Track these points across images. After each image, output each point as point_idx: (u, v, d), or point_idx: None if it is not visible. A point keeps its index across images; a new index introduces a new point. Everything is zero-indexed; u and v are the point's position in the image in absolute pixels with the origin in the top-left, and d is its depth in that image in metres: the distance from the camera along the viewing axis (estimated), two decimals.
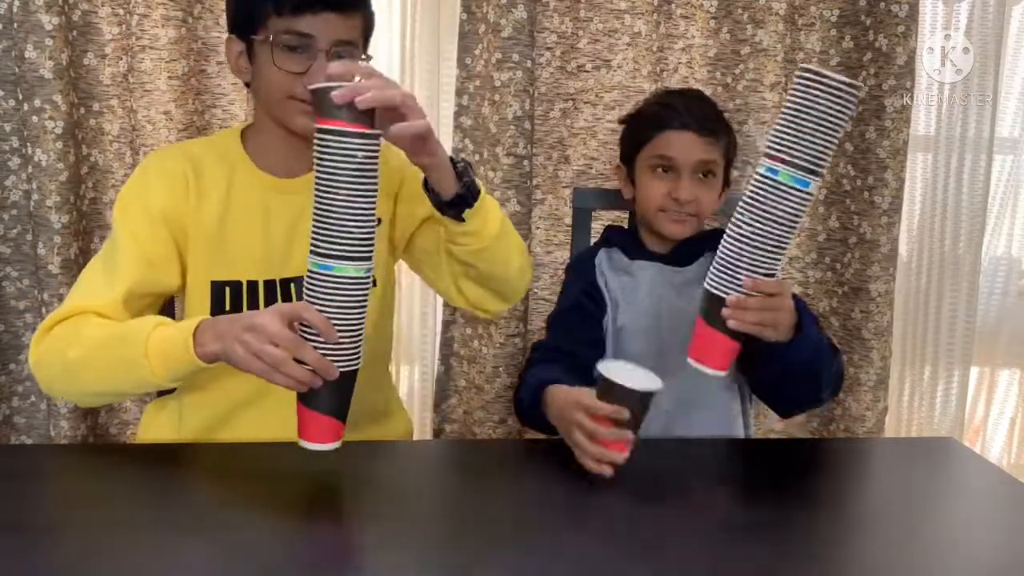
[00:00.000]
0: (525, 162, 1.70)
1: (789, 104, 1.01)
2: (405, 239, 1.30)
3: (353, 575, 0.86)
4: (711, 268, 1.08)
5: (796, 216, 1.03)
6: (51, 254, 1.60)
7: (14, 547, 0.86)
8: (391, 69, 1.83)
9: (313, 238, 0.97)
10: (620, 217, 1.63)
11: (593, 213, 1.56)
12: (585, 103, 1.77)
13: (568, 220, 1.71)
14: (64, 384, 1.14)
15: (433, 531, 0.96)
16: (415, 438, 1.60)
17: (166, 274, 1.18)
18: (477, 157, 1.74)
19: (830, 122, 0.99)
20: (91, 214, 1.68)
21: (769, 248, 1.04)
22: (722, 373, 1.08)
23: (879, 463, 1.26)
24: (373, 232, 0.98)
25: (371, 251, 0.98)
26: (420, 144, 1.04)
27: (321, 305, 0.96)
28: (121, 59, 1.64)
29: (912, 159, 1.85)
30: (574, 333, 1.34)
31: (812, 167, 1.01)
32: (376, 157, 0.96)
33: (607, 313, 1.35)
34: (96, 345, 1.07)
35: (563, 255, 1.79)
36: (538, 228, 1.79)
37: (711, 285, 1.07)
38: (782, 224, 1.03)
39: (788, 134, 1.01)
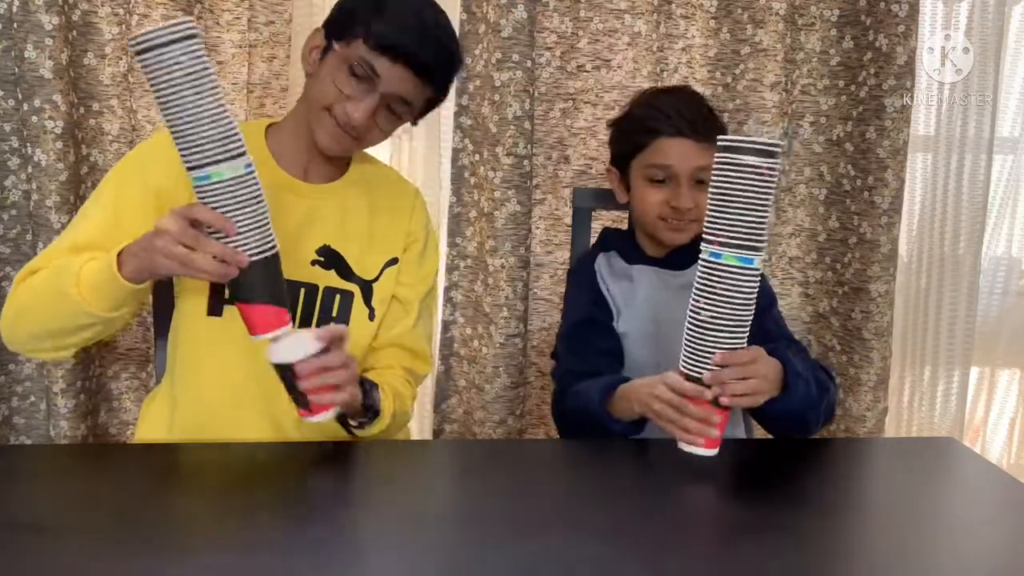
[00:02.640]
0: (525, 162, 1.70)
1: (714, 186, 1.04)
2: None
3: (353, 575, 0.86)
4: (682, 353, 1.10)
5: (749, 292, 1.05)
6: None
7: (14, 547, 0.86)
8: None
9: (180, 154, 1.00)
10: (619, 217, 1.63)
11: (593, 213, 1.56)
12: (585, 103, 1.77)
13: (568, 220, 1.71)
14: (15, 331, 1.17)
15: (433, 531, 0.96)
16: (415, 438, 1.60)
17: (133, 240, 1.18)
18: (477, 157, 1.74)
19: (757, 198, 1.02)
20: None
21: (731, 327, 1.06)
22: (715, 452, 1.09)
23: (879, 463, 1.26)
24: (233, 129, 1.00)
25: (240, 147, 1.01)
26: None
27: (215, 208, 1.00)
28: (121, 59, 1.64)
29: (912, 159, 1.85)
30: (590, 348, 1.33)
31: (752, 244, 1.03)
32: (201, 55, 0.98)
33: (614, 319, 1.35)
34: (38, 285, 1.13)
35: (563, 255, 1.79)
36: (538, 228, 1.80)
37: (685, 368, 1.09)
38: (737, 303, 1.05)
39: (721, 218, 1.03)
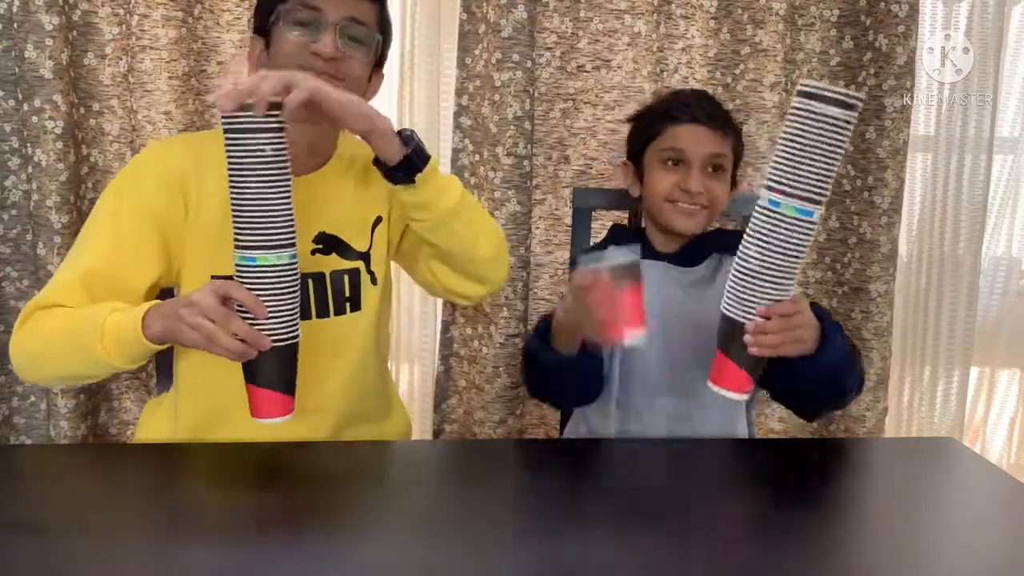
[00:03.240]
0: (525, 162, 1.70)
1: (786, 133, 1.01)
2: (397, 238, 1.33)
3: (353, 574, 0.86)
4: (726, 293, 1.07)
5: (803, 245, 1.03)
6: (51, 254, 1.60)
7: (14, 547, 0.86)
8: (391, 69, 1.82)
9: (234, 232, 1.03)
10: (620, 217, 1.63)
11: (593, 213, 1.56)
12: (585, 103, 1.77)
13: (568, 220, 1.71)
14: (32, 372, 1.18)
15: (433, 531, 0.95)
16: (415, 438, 1.60)
17: (135, 265, 1.17)
18: (477, 157, 1.74)
19: (830, 150, 0.99)
20: None
21: (780, 278, 1.04)
22: (748, 395, 1.08)
23: (879, 463, 1.26)
24: (290, 221, 1.03)
25: (291, 239, 1.03)
26: (316, 111, 1.05)
27: (252, 291, 1.02)
28: (121, 59, 1.64)
29: (912, 159, 1.85)
30: None
31: (815, 196, 1.01)
32: (284, 148, 1.01)
33: None
34: (55, 334, 1.12)
35: (563, 255, 1.79)
36: (538, 228, 1.79)
37: (729, 309, 1.06)
38: (790, 254, 1.03)
39: (788, 166, 1.00)
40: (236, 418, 1.21)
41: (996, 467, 1.18)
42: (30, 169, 1.59)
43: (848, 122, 0.98)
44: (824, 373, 1.15)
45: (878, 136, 1.75)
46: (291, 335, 1.05)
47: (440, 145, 1.83)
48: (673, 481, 1.10)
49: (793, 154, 1.00)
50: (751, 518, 0.99)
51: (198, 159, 1.21)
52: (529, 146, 1.70)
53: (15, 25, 1.55)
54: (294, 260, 1.04)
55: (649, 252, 1.38)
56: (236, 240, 1.03)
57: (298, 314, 1.06)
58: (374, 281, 1.29)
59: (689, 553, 0.91)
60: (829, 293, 1.87)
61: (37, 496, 0.99)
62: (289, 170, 1.02)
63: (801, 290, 1.89)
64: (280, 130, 1.01)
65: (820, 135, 0.98)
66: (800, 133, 0.99)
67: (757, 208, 1.04)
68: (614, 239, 1.43)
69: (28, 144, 1.58)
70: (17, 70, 1.57)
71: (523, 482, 1.10)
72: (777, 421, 1.88)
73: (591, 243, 1.53)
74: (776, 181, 1.01)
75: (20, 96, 1.57)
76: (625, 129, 1.45)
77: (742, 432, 1.36)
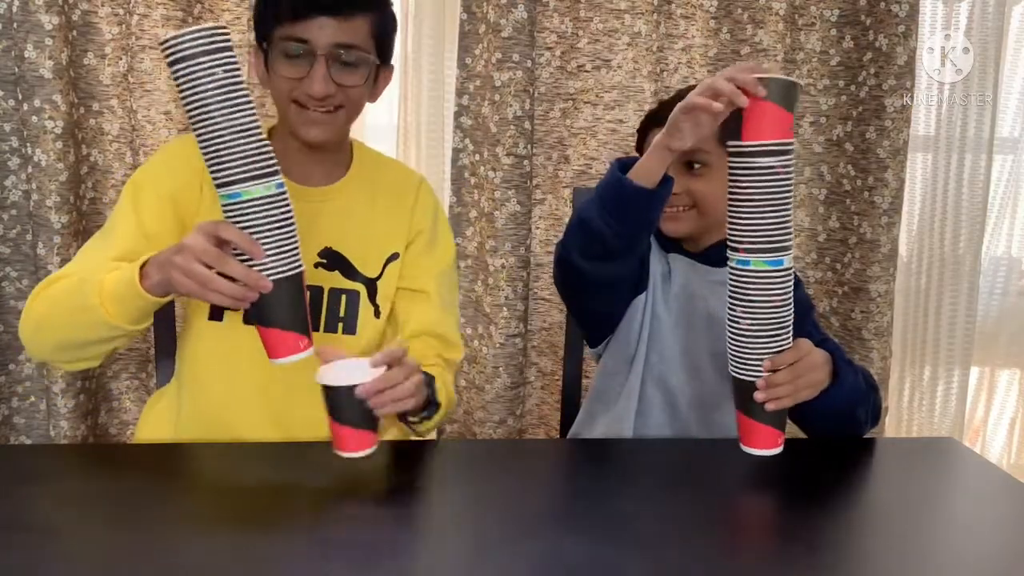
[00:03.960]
0: (525, 162, 1.70)
1: (731, 192, 1.01)
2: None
3: (353, 574, 0.86)
4: (728, 357, 1.07)
5: (785, 293, 1.03)
6: (51, 254, 1.60)
7: (14, 547, 0.86)
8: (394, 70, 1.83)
9: (210, 170, 0.96)
10: None
11: None
12: (585, 103, 1.77)
13: (568, 220, 1.70)
14: (37, 342, 1.15)
15: (433, 531, 0.95)
16: (414, 438, 1.60)
17: (158, 249, 1.15)
18: (477, 157, 1.74)
19: (776, 198, 0.99)
20: (91, 214, 1.68)
21: (774, 330, 1.04)
22: (780, 449, 1.07)
23: (879, 463, 1.26)
24: (266, 147, 0.97)
25: (272, 166, 0.97)
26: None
27: (244, 228, 0.96)
28: (121, 59, 1.64)
29: (912, 159, 1.85)
30: None
31: (779, 246, 1.01)
32: (236, 69, 0.95)
33: (647, 291, 1.31)
34: (60, 296, 1.10)
35: None
36: (538, 228, 1.80)
37: (736, 371, 1.07)
38: (775, 305, 1.03)
39: (743, 224, 1.01)
40: (241, 415, 1.22)
41: (996, 467, 1.18)
42: (30, 169, 1.59)
43: (786, 167, 0.99)
44: (837, 407, 1.15)
45: (878, 136, 1.75)
46: (293, 267, 0.98)
47: (440, 145, 1.83)
48: (673, 481, 1.10)
49: (744, 212, 1.00)
50: (752, 518, 0.99)
51: None
52: (529, 146, 1.70)
53: (15, 25, 1.55)
54: (282, 188, 0.97)
55: (675, 246, 1.35)
56: (214, 178, 0.96)
57: (297, 244, 0.99)
58: (377, 314, 1.26)
59: (690, 553, 0.91)
60: (829, 293, 1.87)
61: (37, 496, 0.99)
62: (250, 95, 0.97)
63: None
64: (228, 49, 0.94)
65: (761, 187, 0.99)
66: (743, 190, 1.00)
67: (730, 270, 1.04)
68: None
69: (28, 144, 1.58)
70: (17, 70, 1.57)
71: (523, 482, 1.09)
72: None
73: None
74: (738, 241, 1.02)
75: (20, 96, 1.57)
76: (624, 129, 1.45)
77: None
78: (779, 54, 1.78)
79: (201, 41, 0.92)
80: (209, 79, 0.93)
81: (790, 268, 1.03)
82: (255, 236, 0.96)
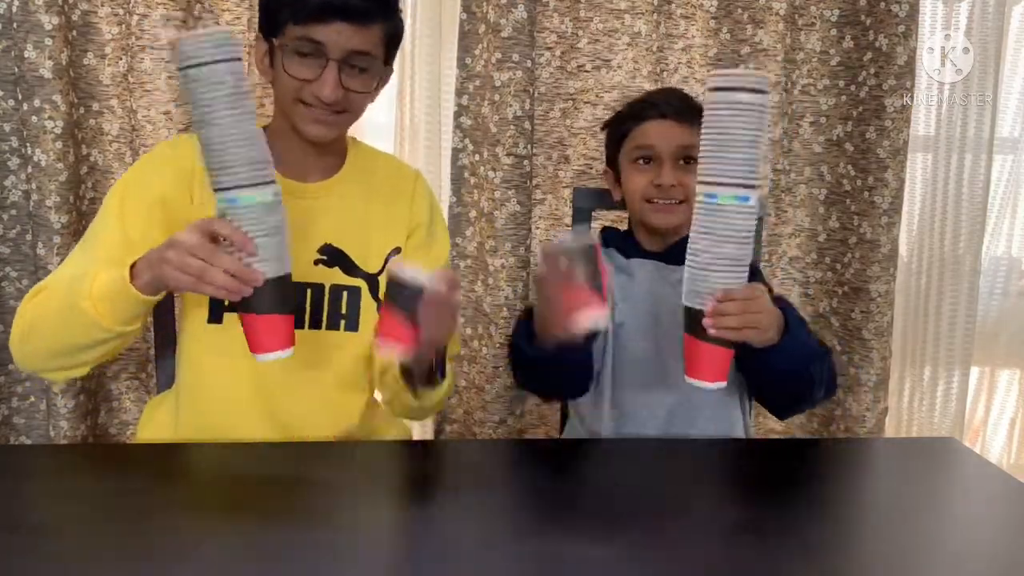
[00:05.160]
0: (525, 162, 1.70)
1: (707, 127, 1.04)
2: None
3: (352, 574, 0.86)
4: (684, 288, 1.09)
5: (747, 231, 1.05)
6: (51, 254, 1.60)
7: (14, 547, 0.86)
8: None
9: (210, 174, 0.98)
10: (620, 217, 1.63)
11: (593, 213, 1.56)
12: (585, 103, 1.77)
13: (568, 220, 1.71)
14: (26, 351, 1.14)
15: (432, 531, 0.95)
16: (415, 438, 1.60)
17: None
18: (477, 157, 1.74)
19: (749, 135, 1.02)
20: (91, 214, 1.68)
21: (731, 266, 1.06)
22: (722, 384, 1.09)
23: (879, 463, 1.26)
24: (267, 156, 0.99)
25: (270, 174, 0.99)
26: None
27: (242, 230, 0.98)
28: (121, 59, 1.64)
29: (912, 159, 1.85)
30: None
31: (747, 182, 1.03)
32: (244, 77, 0.97)
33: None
34: (47, 302, 1.10)
35: None
36: (538, 228, 1.80)
37: (688, 300, 1.09)
38: (735, 241, 1.05)
39: (715, 157, 1.03)
40: (240, 417, 1.22)
41: (996, 467, 1.18)
42: (30, 169, 1.59)
43: (761, 105, 1.01)
44: (790, 363, 1.16)
45: (878, 136, 1.75)
46: (283, 265, 1.01)
47: (440, 145, 1.83)
48: (672, 481, 1.10)
49: (717, 146, 1.03)
50: (751, 518, 0.99)
51: None
52: (529, 146, 1.70)
53: (15, 25, 1.55)
54: (278, 197, 1.00)
55: (638, 251, 1.38)
56: (214, 182, 0.98)
57: (287, 252, 1.02)
58: (379, 310, 1.27)
59: (688, 553, 0.91)
60: (829, 293, 1.87)
61: (37, 496, 0.99)
62: (254, 104, 0.99)
63: (801, 290, 1.89)
64: (238, 58, 0.96)
65: (736, 123, 1.01)
66: (719, 124, 1.02)
67: (697, 204, 1.06)
68: (604, 241, 1.43)
69: (28, 144, 1.58)
70: (17, 70, 1.57)
71: (523, 482, 1.09)
72: (777, 421, 1.88)
73: None
74: (708, 174, 1.04)
75: (20, 96, 1.57)
76: None
77: (739, 433, 1.36)
78: (779, 54, 1.78)
79: (214, 48, 0.94)
80: (219, 86, 0.95)
81: (754, 207, 1.05)
82: (256, 235, 0.98)
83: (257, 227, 0.98)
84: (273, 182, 1.00)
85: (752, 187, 1.03)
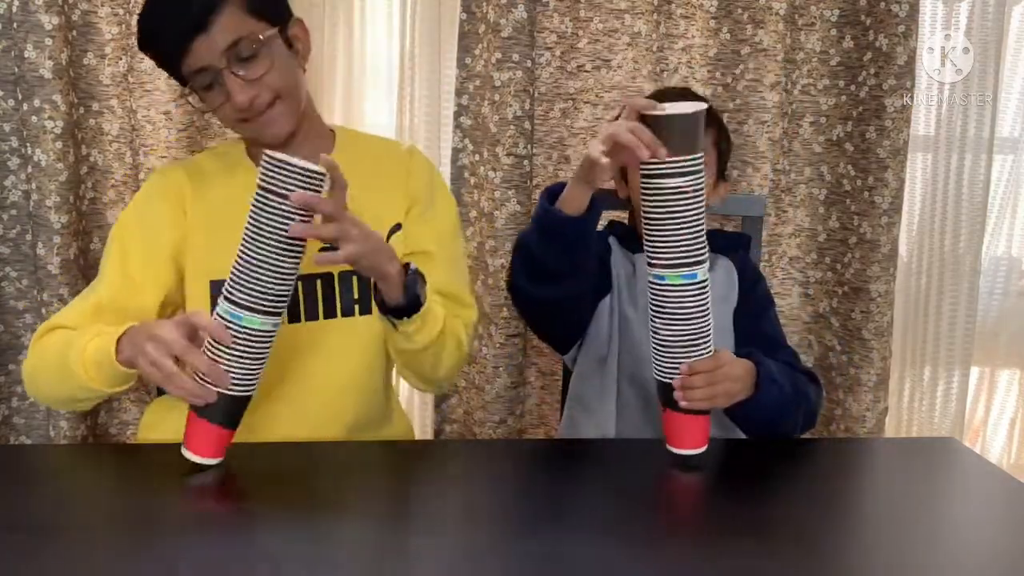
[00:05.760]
0: (525, 162, 1.70)
1: (644, 211, 1.05)
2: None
3: (353, 573, 0.86)
4: (652, 361, 1.12)
5: (701, 304, 1.07)
6: (50, 254, 1.60)
7: (14, 547, 0.86)
8: (391, 69, 1.83)
9: (229, 284, 1.00)
10: (619, 217, 1.63)
11: None
12: (585, 103, 1.77)
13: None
14: (32, 390, 1.21)
15: (432, 531, 0.95)
16: (415, 438, 1.60)
17: (144, 295, 1.20)
18: (477, 157, 1.74)
19: (686, 216, 1.03)
20: (91, 214, 1.68)
21: (691, 340, 1.08)
22: (703, 449, 1.11)
23: (879, 463, 1.26)
24: (288, 291, 1.01)
25: (282, 307, 1.02)
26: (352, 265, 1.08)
27: (223, 348, 1.00)
28: (121, 59, 1.64)
29: (912, 159, 1.85)
30: None
31: (691, 260, 1.05)
32: (308, 220, 0.99)
33: (611, 292, 1.35)
34: (49, 354, 1.14)
35: None
36: None
37: (658, 374, 1.11)
38: (691, 316, 1.07)
39: (657, 241, 1.05)
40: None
41: (996, 467, 1.18)
42: (30, 169, 1.59)
43: (696, 187, 1.03)
44: (761, 414, 1.19)
45: (878, 136, 1.75)
46: (250, 389, 1.04)
47: (440, 145, 1.83)
48: (673, 481, 1.10)
49: (657, 230, 1.05)
50: (751, 518, 0.99)
51: (196, 170, 1.24)
52: (529, 146, 1.70)
53: (15, 25, 1.55)
54: (276, 327, 1.03)
55: (642, 247, 1.37)
56: (229, 292, 1.00)
57: (262, 372, 1.05)
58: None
59: (689, 553, 0.91)
60: (829, 293, 1.87)
61: (37, 496, 0.99)
62: (304, 248, 1.01)
63: (801, 290, 1.89)
64: (310, 215, 0.98)
65: (671, 207, 1.03)
66: (654, 210, 1.04)
67: (648, 283, 1.09)
68: (612, 230, 1.44)
69: (28, 144, 1.58)
70: (17, 70, 1.57)
71: (523, 482, 1.09)
72: None
73: None
74: (653, 257, 1.07)
75: (20, 96, 1.57)
76: None
77: (739, 432, 1.36)
78: (779, 54, 1.78)
79: (298, 183, 0.96)
80: (282, 218, 0.97)
81: (705, 280, 1.07)
82: (236, 353, 1.00)
83: (245, 348, 1.01)
84: (280, 313, 1.02)
85: (697, 263, 1.06)
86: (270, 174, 0.96)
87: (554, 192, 1.15)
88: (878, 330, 1.80)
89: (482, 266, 1.76)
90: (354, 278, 1.24)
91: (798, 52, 1.80)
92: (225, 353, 1.00)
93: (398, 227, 1.28)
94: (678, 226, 1.03)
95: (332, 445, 1.20)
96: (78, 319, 1.17)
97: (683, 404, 1.09)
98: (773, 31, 1.77)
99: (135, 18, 1.64)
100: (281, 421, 1.21)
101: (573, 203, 1.12)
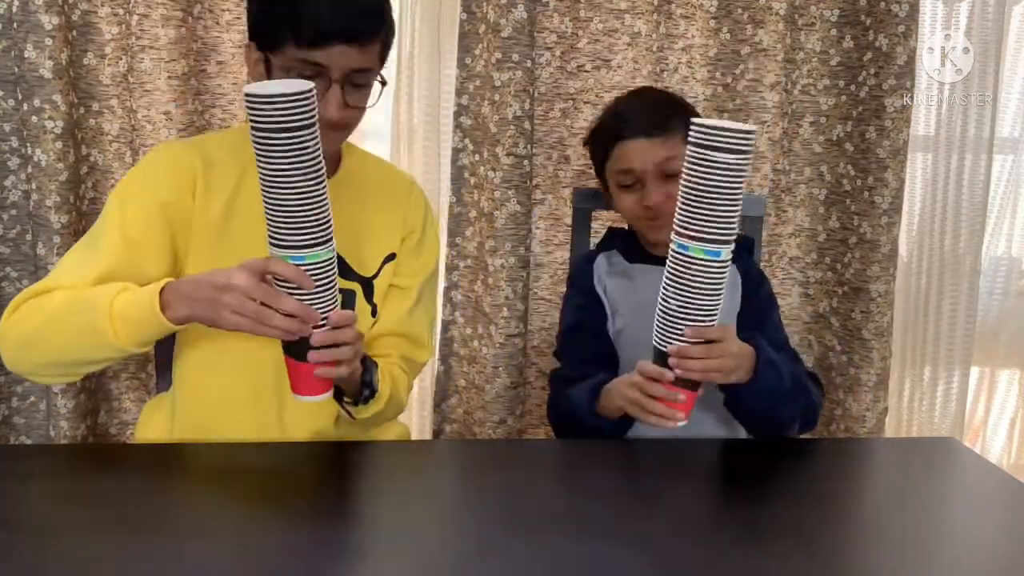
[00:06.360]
0: (525, 162, 1.70)
1: (685, 180, 1.05)
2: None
3: (352, 574, 0.86)
4: (654, 329, 1.12)
5: (717, 284, 1.07)
6: (51, 254, 1.59)
7: (14, 547, 0.86)
8: (391, 69, 1.82)
9: (273, 233, 0.99)
10: (617, 219, 1.63)
11: (593, 213, 1.56)
12: (585, 103, 1.77)
13: (568, 220, 1.71)
14: (24, 356, 1.12)
15: (433, 531, 0.96)
16: (415, 438, 1.60)
17: (148, 261, 1.15)
18: (477, 157, 1.74)
19: (728, 194, 1.02)
20: (91, 214, 1.68)
21: (700, 315, 1.08)
22: (684, 422, 1.12)
23: (879, 463, 1.26)
24: (330, 214, 1.01)
25: (331, 230, 1.01)
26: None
27: (294, 289, 1.00)
28: (121, 59, 1.64)
29: (912, 159, 1.85)
30: (584, 355, 1.34)
31: (721, 238, 1.04)
32: (319, 142, 0.98)
33: (608, 318, 1.36)
34: (57, 313, 1.08)
35: (563, 255, 1.79)
36: (538, 228, 1.80)
37: (657, 341, 1.11)
38: (705, 293, 1.07)
39: (690, 211, 1.04)
40: (235, 418, 1.22)
41: (996, 467, 1.18)
42: (30, 169, 1.59)
43: (740, 166, 1.02)
44: (755, 403, 1.19)
45: (878, 136, 1.75)
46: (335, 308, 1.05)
47: (440, 145, 1.83)
48: (673, 481, 1.10)
49: (694, 200, 1.04)
50: (751, 518, 0.99)
51: (208, 159, 1.20)
52: (529, 146, 1.70)
53: (15, 25, 1.55)
54: (334, 254, 1.03)
55: (641, 255, 1.38)
56: (279, 241, 0.99)
57: (338, 303, 1.05)
58: (374, 313, 1.28)
59: (689, 553, 0.91)
60: (829, 293, 1.87)
61: (37, 496, 0.99)
62: (323, 164, 1.00)
63: (801, 290, 1.89)
64: (316, 124, 0.98)
65: (717, 181, 1.02)
66: (696, 180, 1.03)
67: (670, 251, 1.08)
68: (608, 242, 1.44)
69: (28, 144, 1.58)
70: (17, 70, 1.57)
71: (523, 482, 1.10)
72: None
73: (591, 244, 1.53)
74: (682, 226, 1.05)
75: (20, 96, 1.57)
76: None
77: (739, 433, 1.36)
78: (779, 54, 1.78)
79: (294, 114, 0.94)
80: (303, 151, 0.96)
81: (727, 262, 1.06)
82: (313, 294, 1.01)
83: (320, 282, 1.01)
84: (332, 239, 1.02)
85: (725, 242, 1.05)
86: (261, 112, 0.94)
87: (596, 391, 1.22)
88: (878, 330, 1.80)
89: (482, 266, 1.76)
90: (340, 295, 1.24)
91: (798, 52, 1.80)
92: (299, 291, 1.00)
93: (392, 256, 1.29)
94: (718, 202, 1.02)
95: (330, 445, 1.20)
96: (81, 284, 1.11)
97: (677, 372, 1.09)
98: (773, 31, 1.77)
99: (135, 18, 1.65)
100: (270, 422, 1.22)
101: (609, 412, 1.20)
